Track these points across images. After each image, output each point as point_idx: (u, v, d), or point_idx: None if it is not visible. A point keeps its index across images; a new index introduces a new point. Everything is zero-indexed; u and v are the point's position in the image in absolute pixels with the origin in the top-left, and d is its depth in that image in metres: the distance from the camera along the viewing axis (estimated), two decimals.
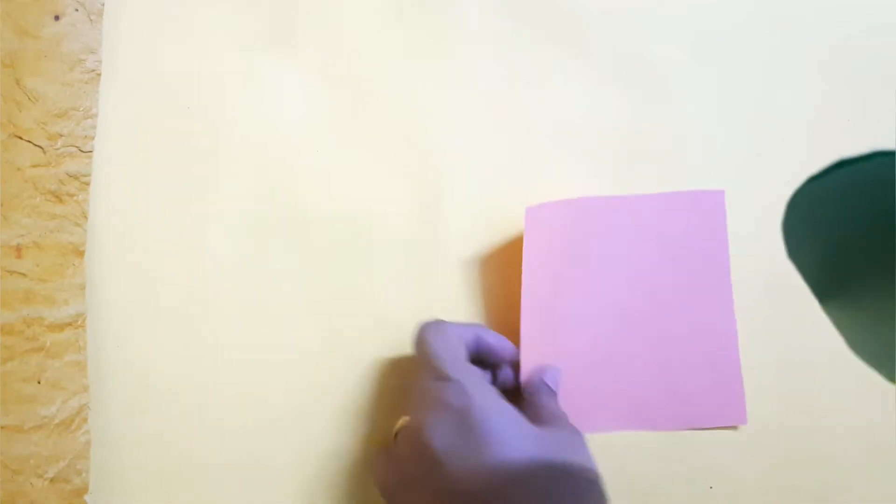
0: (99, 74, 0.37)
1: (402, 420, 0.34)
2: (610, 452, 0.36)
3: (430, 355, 0.32)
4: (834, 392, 0.37)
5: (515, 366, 0.35)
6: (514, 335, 0.36)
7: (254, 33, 0.39)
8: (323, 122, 0.39)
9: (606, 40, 0.39)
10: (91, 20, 0.37)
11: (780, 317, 0.37)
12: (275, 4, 0.39)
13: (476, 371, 0.32)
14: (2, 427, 0.34)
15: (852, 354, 0.37)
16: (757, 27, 0.39)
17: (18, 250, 0.35)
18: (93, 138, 0.37)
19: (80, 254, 0.36)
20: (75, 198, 0.36)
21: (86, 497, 0.34)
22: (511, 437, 0.29)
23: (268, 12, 0.39)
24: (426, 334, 0.33)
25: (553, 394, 0.34)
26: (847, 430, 0.37)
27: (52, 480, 0.34)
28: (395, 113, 0.39)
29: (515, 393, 0.34)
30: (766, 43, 0.39)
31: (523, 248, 0.36)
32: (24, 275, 0.35)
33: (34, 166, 0.36)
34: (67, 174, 0.36)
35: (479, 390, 0.30)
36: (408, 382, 0.33)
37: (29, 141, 0.36)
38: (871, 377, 0.37)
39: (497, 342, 0.34)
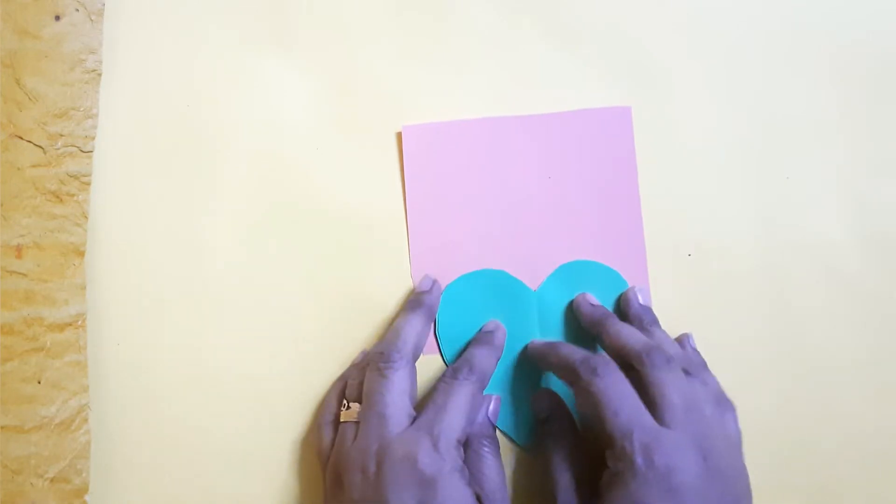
0: (99, 74, 0.37)
1: (357, 413, 0.33)
2: None
3: (448, 406, 0.32)
4: (834, 392, 0.37)
5: None
6: None
7: (253, 32, 0.39)
8: (323, 119, 0.39)
9: (605, 36, 0.39)
10: (91, 20, 0.37)
11: (780, 316, 0.37)
12: (274, 3, 0.39)
13: (459, 453, 0.31)
14: (2, 427, 0.34)
15: (852, 354, 0.37)
16: (758, 26, 0.39)
17: (19, 250, 0.35)
18: (93, 138, 0.37)
19: (81, 254, 0.36)
20: (75, 198, 0.36)
21: (86, 497, 0.34)
22: None
23: (267, 11, 0.39)
24: (464, 386, 0.33)
25: (497, 454, 0.33)
26: (847, 429, 0.37)
27: (52, 480, 0.34)
28: (395, 109, 0.39)
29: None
30: (767, 42, 0.39)
31: (404, 166, 0.38)
32: (24, 275, 0.35)
33: (34, 166, 0.36)
34: (68, 174, 0.36)
35: (452, 476, 0.30)
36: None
37: (29, 141, 0.36)
38: (870, 377, 0.37)
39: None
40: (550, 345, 0.35)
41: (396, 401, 0.32)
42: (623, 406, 0.30)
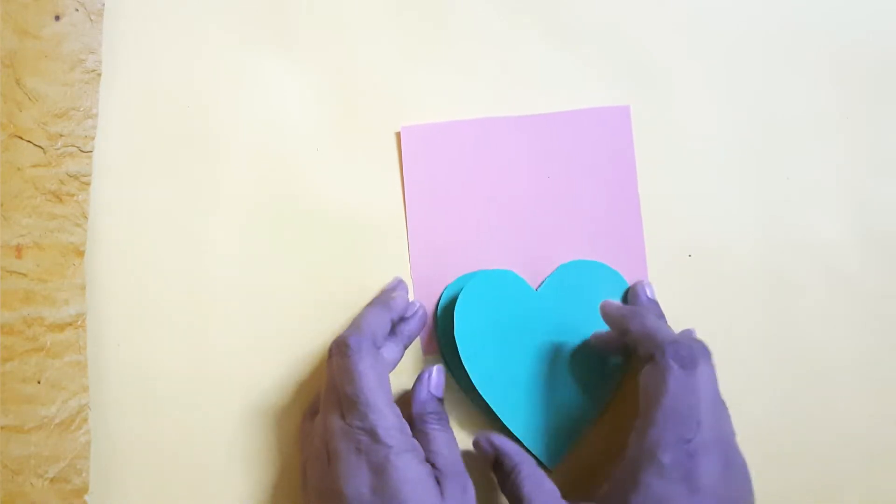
0: (99, 74, 0.38)
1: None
2: None
3: (359, 392, 0.30)
4: (834, 392, 0.37)
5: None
6: None
7: (253, 32, 0.39)
8: (323, 119, 0.39)
9: (605, 36, 0.39)
10: (91, 20, 0.37)
11: (780, 316, 0.37)
12: (274, 3, 0.39)
13: (403, 427, 0.31)
14: (2, 427, 0.34)
15: (852, 354, 0.37)
16: (758, 26, 0.39)
17: (19, 250, 0.35)
18: (93, 138, 0.37)
19: (80, 254, 0.36)
20: (75, 198, 0.36)
21: (86, 497, 0.34)
22: None
23: (267, 11, 0.39)
24: (360, 360, 0.31)
25: (446, 427, 0.33)
26: (847, 429, 0.37)
27: (52, 480, 0.34)
28: (395, 109, 0.39)
29: None
30: (767, 42, 0.39)
31: (403, 166, 0.38)
32: (24, 275, 0.35)
33: (34, 166, 0.36)
34: (67, 174, 0.36)
35: (402, 458, 0.30)
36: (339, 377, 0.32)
37: (29, 141, 0.36)
38: (870, 377, 0.37)
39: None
40: (633, 310, 0.34)
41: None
42: (697, 409, 0.29)
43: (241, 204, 0.38)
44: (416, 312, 0.36)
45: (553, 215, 0.38)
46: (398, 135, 0.38)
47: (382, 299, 0.36)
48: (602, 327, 0.35)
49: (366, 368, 0.31)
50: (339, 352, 0.31)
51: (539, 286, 0.37)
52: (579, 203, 0.38)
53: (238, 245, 0.38)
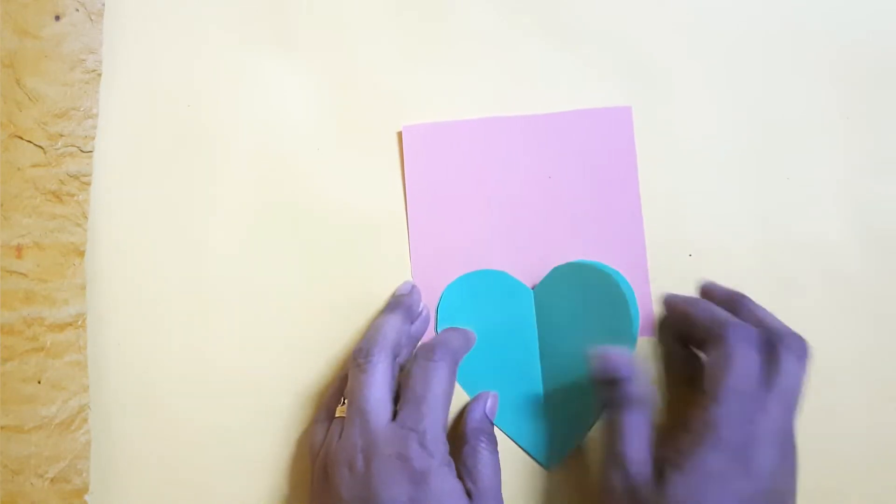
0: (99, 74, 0.38)
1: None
2: None
3: (428, 392, 0.31)
4: (834, 392, 0.37)
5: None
6: None
7: (253, 32, 0.39)
8: (323, 119, 0.39)
9: (605, 36, 0.39)
10: (91, 20, 0.38)
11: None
12: (274, 3, 0.39)
13: (446, 443, 0.31)
14: (2, 427, 0.34)
15: (852, 354, 0.37)
16: (758, 26, 0.39)
17: (19, 250, 0.35)
18: (93, 138, 0.37)
19: (81, 254, 0.36)
20: (75, 198, 0.36)
21: (86, 497, 0.34)
22: None
23: (267, 11, 0.39)
24: (443, 369, 0.32)
25: (494, 450, 0.34)
26: (847, 429, 0.37)
27: (52, 480, 0.34)
28: (395, 109, 0.39)
29: None
30: (767, 42, 0.39)
31: (404, 166, 0.38)
32: (24, 275, 0.35)
33: (34, 166, 0.36)
34: (68, 174, 0.36)
35: (441, 471, 0.30)
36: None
37: (29, 141, 0.36)
38: (870, 377, 0.37)
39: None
40: (697, 298, 0.35)
41: (376, 395, 0.32)
42: (742, 379, 0.30)
43: (242, 204, 0.38)
44: (421, 313, 0.36)
45: (554, 215, 0.38)
46: (399, 134, 0.38)
47: (398, 304, 0.36)
48: (596, 327, 0.35)
49: (444, 378, 0.32)
50: (425, 356, 0.32)
51: (538, 286, 0.37)
52: (580, 203, 0.38)
53: (238, 245, 0.38)
